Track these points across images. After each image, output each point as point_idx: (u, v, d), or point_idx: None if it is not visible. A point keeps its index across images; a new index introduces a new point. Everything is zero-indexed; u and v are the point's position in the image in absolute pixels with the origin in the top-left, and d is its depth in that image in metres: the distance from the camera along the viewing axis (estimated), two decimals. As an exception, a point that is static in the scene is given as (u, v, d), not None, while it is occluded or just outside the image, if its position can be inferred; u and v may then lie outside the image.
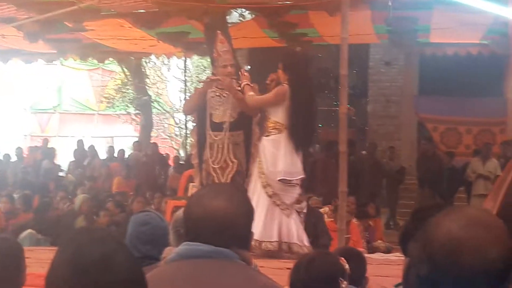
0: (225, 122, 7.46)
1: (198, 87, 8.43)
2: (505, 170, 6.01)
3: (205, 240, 2.25)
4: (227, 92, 7.45)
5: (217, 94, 7.51)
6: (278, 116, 7.20)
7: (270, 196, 7.11)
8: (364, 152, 15.70)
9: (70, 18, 11.55)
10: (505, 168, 6.20)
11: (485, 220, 1.73)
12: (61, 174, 16.45)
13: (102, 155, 17.61)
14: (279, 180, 7.10)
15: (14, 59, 17.46)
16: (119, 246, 1.72)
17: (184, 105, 8.22)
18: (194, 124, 8.36)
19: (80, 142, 17.61)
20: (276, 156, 7.11)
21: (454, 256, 1.66)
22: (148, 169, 15.44)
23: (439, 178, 13.90)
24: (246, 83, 7.24)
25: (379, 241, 10.57)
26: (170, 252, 3.16)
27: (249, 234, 2.38)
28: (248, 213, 2.38)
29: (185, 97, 19.54)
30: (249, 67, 17.46)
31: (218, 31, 7.76)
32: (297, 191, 7.35)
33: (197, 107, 7.64)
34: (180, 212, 3.36)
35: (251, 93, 7.20)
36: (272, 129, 7.21)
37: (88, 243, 1.69)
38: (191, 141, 8.73)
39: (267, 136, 7.23)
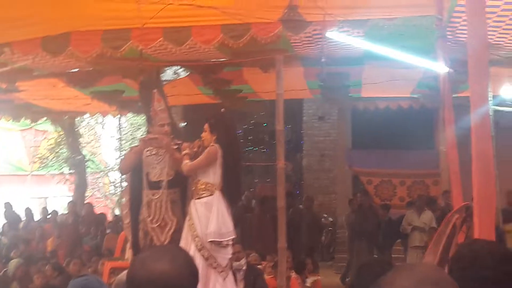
0: (163, 180, 7.43)
1: (133, 145, 8.39)
2: (444, 223, 6.11)
3: (150, 304, 2.23)
4: (163, 151, 7.44)
5: (153, 152, 7.51)
6: (209, 177, 7.18)
7: (206, 259, 7.03)
8: (301, 206, 15.78)
9: (2, 79, 11.41)
10: (443, 220, 6.29)
11: (436, 277, 1.75)
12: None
13: (36, 216, 17.26)
14: (210, 241, 7.05)
15: None
16: None
17: (120, 164, 8.13)
18: (126, 183, 8.29)
19: (7, 205, 17.23)
20: (208, 217, 7.06)
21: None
22: (74, 230, 15.13)
23: (376, 230, 14.01)
24: (186, 152, 7.25)
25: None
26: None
27: (194, 297, 2.36)
28: (193, 274, 2.37)
29: (120, 156, 19.38)
30: (185, 123, 17.49)
31: (154, 90, 7.77)
32: (230, 251, 7.28)
33: (134, 165, 7.59)
34: (122, 276, 3.31)
35: (186, 161, 7.20)
36: (203, 190, 7.17)
37: None
38: (123, 200, 8.60)
39: (198, 198, 7.17)
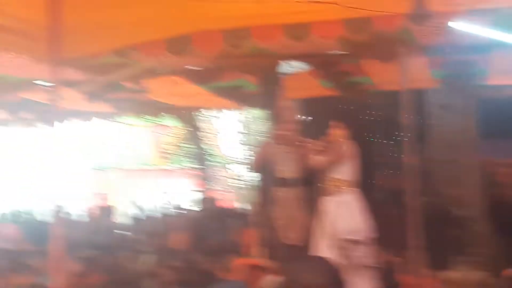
0: (291, 177, 7.43)
1: (261, 143, 8.45)
2: None
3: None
4: (291, 148, 7.44)
5: (281, 150, 7.52)
6: (341, 173, 7.09)
7: (342, 257, 6.96)
8: (426, 198, 15.44)
9: (127, 79, 11.72)
10: None
11: None
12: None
13: (163, 211, 17.69)
14: (346, 239, 6.97)
15: (74, 119, 17.75)
16: None
17: (250, 162, 8.22)
18: (257, 180, 8.35)
19: (137, 200, 17.75)
20: (343, 215, 6.99)
21: None
22: (198, 226, 15.37)
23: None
24: (316, 149, 7.20)
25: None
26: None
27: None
28: (339, 285, 2.32)
29: (240, 149, 19.62)
30: (305, 117, 17.44)
31: (279, 88, 7.78)
32: (363, 249, 7.18)
33: (263, 163, 7.62)
34: (265, 283, 3.30)
35: (319, 158, 7.13)
36: (336, 188, 7.09)
37: None
38: (253, 197, 8.66)
39: (331, 196, 7.09)
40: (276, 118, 7.77)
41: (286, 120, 7.49)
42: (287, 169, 7.46)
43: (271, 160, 7.59)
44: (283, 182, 7.48)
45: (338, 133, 7.19)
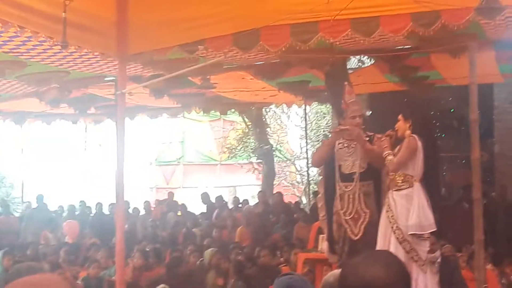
0: (355, 172, 7.40)
1: (324, 138, 8.44)
2: None
3: (361, 311, 2.21)
4: (355, 143, 7.41)
5: (345, 145, 7.49)
6: (408, 168, 7.06)
7: (407, 252, 6.94)
8: (493, 193, 15.21)
9: (195, 74, 11.82)
10: None
11: None
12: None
13: (228, 205, 17.82)
14: (411, 234, 6.94)
15: (140, 114, 18.00)
16: None
17: (312, 158, 8.21)
18: (321, 176, 8.35)
19: (205, 194, 17.91)
20: (409, 210, 6.95)
21: None
22: (262, 219, 15.43)
23: None
24: (387, 152, 7.17)
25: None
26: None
27: (407, 303, 2.32)
28: (406, 281, 2.32)
29: (306, 144, 19.58)
30: (370, 112, 17.33)
31: (346, 83, 7.74)
32: (428, 244, 7.15)
33: (326, 158, 7.62)
34: (328, 277, 3.32)
35: (391, 157, 7.11)
36: (403, 182, 7.06)
37: None
38: (318, 193, 8.65)
39: (397, 190, 7.07)
40: (341, 112, 7.74)
41: (350, 115, 7.44)
42: (350, 164, 7.43)
43: (333, 155, 7.56)
44: (346, 177, 7.44)
45: (403, 126, 7.14)
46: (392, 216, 7.01)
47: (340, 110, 7.73)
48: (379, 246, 6.94)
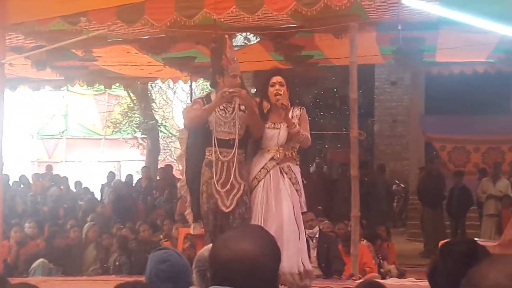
0: (233, 139, 6.69)
1: (197, 98, 7.65)
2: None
3: (233, 284, 2.25)
4: (232, 106, 6.73)
5: (221, 108, 6.70)
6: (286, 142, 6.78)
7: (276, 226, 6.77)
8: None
9: (78, 46, 11.59)
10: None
11: None
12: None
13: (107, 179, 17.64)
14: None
15: (22, 86, 17.50)
16: None
17: (187, 119, 6.94)
18: (182, 137, 7.39)
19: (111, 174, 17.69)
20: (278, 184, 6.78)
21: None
22: (129, 196, 15.37)
23: (443, 197, 13.82)
24: (299, 127, 6.70)
25: (392, 265, 10.49)
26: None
27: (276, 277, 2.37)
28: (275, 255, 2.38)
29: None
30: (255, 90, 17.48)
31: (226, 36, 7.15)
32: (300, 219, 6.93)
33: (203, 122, 6.75)
34: (203, 252, 3.35)
35: (306, 133, 6.75)
36: (296, 157, 6.84)
37: None
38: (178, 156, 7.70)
39: (296, 165, 6.80)
40: (221, 70, 6.89)
41: (231, 74, 6.80)
42: (227, 129, 6.67)
43: (207, 119, 6.69)
44: (223, 144, 6.65)
45: (286, 94, 6.70)
46: (298, 190, 6.74)
47: (219, 68, 6.93)
48: (252, 220, 6.70)
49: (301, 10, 8.39)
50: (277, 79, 6.75)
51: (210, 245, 3.39)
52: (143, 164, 19.73)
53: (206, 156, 6.76)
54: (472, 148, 16.67)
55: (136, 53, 13.10)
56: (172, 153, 25.00)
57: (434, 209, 13.94)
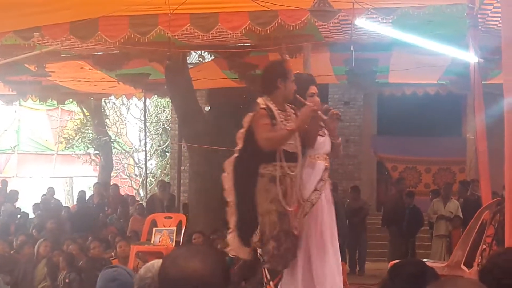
0: (296, 152, 5.87)
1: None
2: (474, 218, 6.07)
3: (181, 302, 2.26)
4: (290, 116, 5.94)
5: (284, 118, 5.89)
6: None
7: None
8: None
9: (31, 61, 11.49)
10: (475, 216, 6.20)
11: None
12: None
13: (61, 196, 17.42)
14: None
15: (-27, 100, 17.29)
16: None
17: (267, 141, 5.72)
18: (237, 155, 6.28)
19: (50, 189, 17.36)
20: None
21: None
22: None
23: (401, 217, 13.83)
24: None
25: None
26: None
27: (225, 296, 2.38)
28: (224, 275, 2.39)
29: (145, 137, 19.51)
30: (208, 107, 17.51)
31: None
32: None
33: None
34: (143, 270, 3.34)
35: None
36: None
37: None
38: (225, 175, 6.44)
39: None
40: (284, 76, 5.84)
41: (292, 80, 5.83)
42: (293, 142, 5.89)
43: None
44: (290, 157, 5.87)
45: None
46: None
47: (283, 72, 5.86)
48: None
49: (255, 29, 8.47)
50: (314, 89, 6.16)
51: (150, 263, 3.39)
52: (95, 180, 19.55)
53: (265, 172, 5.86)
54: (423, 168, 16.89)
55: (90, 69, 13.05)
56: (125, 169, 24.85)
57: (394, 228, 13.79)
